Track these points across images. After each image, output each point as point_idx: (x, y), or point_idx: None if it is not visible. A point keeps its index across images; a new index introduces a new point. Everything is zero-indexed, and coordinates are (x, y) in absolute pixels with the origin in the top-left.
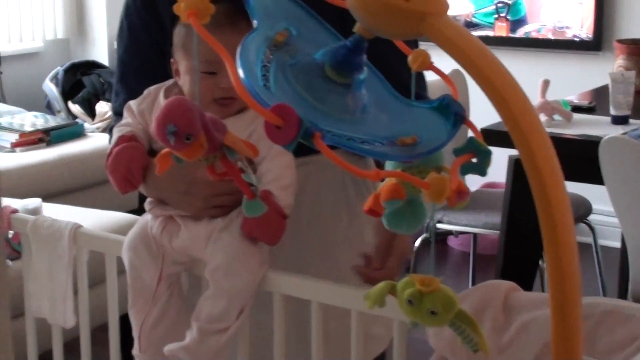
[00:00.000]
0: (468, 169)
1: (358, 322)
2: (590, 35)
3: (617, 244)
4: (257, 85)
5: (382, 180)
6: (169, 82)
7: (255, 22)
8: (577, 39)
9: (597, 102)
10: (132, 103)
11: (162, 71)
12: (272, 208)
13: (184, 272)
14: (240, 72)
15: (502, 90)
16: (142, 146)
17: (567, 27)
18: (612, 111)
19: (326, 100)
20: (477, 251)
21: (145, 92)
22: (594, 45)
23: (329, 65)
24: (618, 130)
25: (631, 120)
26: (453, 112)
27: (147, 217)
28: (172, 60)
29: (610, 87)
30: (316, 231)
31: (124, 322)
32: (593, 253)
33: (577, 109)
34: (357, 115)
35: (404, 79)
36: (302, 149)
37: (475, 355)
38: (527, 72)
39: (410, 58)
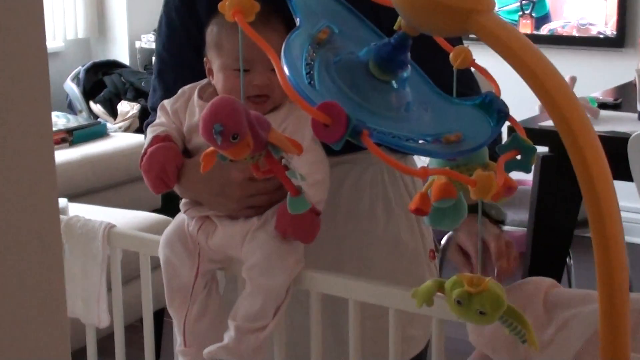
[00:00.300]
0: (512, 166)
1: (396, 321)
2: (614, 32)
3: None
4: (302, 83)
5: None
6: (203, 81)
7: (298, 20)
8: (601, 36)
9: (622, 98)
10: (166, 102)
11: (199, 68)
12: None
13: (220, 271)
14: (286, 70)
15: (548, 86)
16: (176, 146)
17: (590, 24)
18: (639, 107)
19: (370, 98)
20: None
21: (180, 91)
22: (618, 41)
23: (374, 62)
24: None
25: None
26: (496, 109)
27: (182, 216)
28: (205, 59)
29: (637, 83)
30: (353, 231)
31: (155, 322)
32: None
33: (603, 105)
34: (401, 113)
35: (444, 77)
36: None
37: (516, 353)
38: None
39: (451, 55)
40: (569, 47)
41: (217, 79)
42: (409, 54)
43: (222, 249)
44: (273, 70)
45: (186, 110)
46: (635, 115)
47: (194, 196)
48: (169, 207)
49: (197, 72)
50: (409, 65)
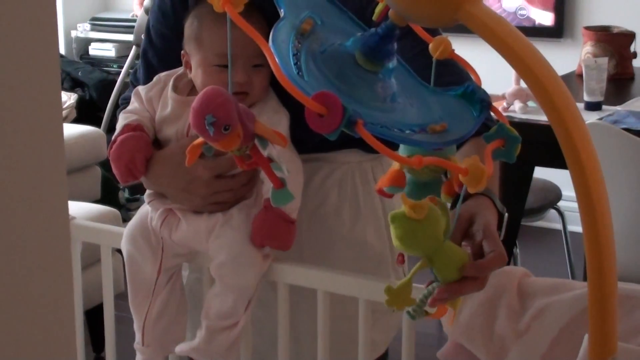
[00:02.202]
0: (497, 155)
1: (366, 311)
2: (552, 22)
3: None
4: (292, 74)
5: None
6: (180, 70)
7: (282, 12)
8: (538, 26)
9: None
10: (141, 89)
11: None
12: (277, 216)
13: (187, 266)
14: (278, 60)
15: (539, 74)
16: (147, 136)
17: (528, 14)
18: (586, 97)
19: (357, 88)
20: None
21: (155, 78)
22: (556, 32)
23: (360, 52)
24: (592, 117)
25: (604, 107)
26: (478, 99)
27: (146, 208)
28: (182, 52)
29: (584, 73)
30: (316, 230)
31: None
32: (562, 238)
33: None
34: (387, 103)
35: (424, 67)
36: (312, 146)
37: (492, 341)
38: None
39: (431, 46)
40: None
41: (196, 74)
42: (395, 44)
43: (186, 242)
44: (254, 66)
45: (160, 99)
46: (581, 105)
47: (159, 189)
48: (108, 198)
49: (179, 57)
50: (395, 56)
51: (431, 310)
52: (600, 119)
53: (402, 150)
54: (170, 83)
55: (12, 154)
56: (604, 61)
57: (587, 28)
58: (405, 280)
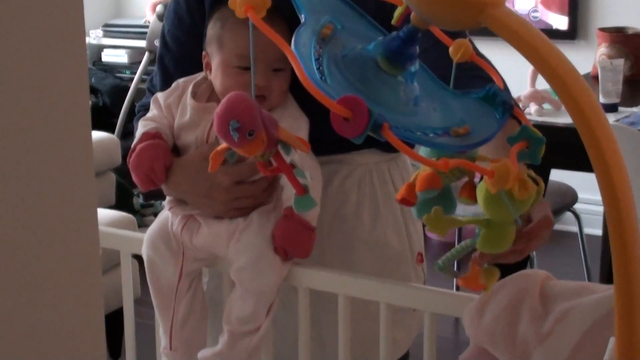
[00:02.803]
0: (521, 156)
1: (387, 316)
2: (566, 24)
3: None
4: (315, 79)
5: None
6: (198, 76)
7: (302, 17)
8: (552, 28)
9: None
10: (160, 95)
11: (199, 59)
12: (299, 223)
13: (207, 272)
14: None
15: (564, 77)
16: (166, 144)
17: (541, 16)
18: (602, 99)
19: (380, 92)
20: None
21: (174, 84)
22: (570, 34)
23: (382, 56)
24: (609, 118)
25: (620, 108)
26: (500, 101)
27: (165, 214)
28: (204, 53)
29: (599, 75)
30: (338, 232)
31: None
32: (578, 241)
33: None
34: (410, 106)
35: (445, 69)
36: (330, 147)
37: (515, 344)
38: (507, 62)
39: (451, 49)
40: None
41: (216, 75)
42: (417, 48)
43: (206, 247)
44: (273, 71)
45: (178, 106)
46: None
47: (179, 196)
48: (122, 203)
49: (197, 62)
50: (417, 59)
51: (462, 275)
52: (617, 120)
53: (422, 153)
54: (189, 89)
55: (43, 161)
56: (619, 62)
57: (602, 29)
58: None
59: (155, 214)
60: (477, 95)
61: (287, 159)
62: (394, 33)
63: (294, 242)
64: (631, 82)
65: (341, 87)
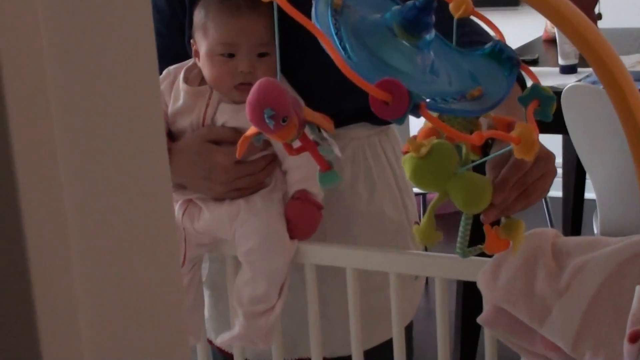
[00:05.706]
0: (534, 114)
1: (396, 284)
2: None
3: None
4: (350, 62)
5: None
6: (189, 62)
7: None
8: None
9: (538, 55)
10: None
11: (182, 50)
12: (313, 204)
13: (207, 258)
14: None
15: (594, 45)
16: None
17: None
18: (560, 61)
19: (400, 62)
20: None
21: (165, 72)
22: (513, 0)
23: (399, 25)
24: (569, 80)
25: (579, 69)
26: (506, 57)
27: None
28: (191, 40)
29: (557, 37)
30: (335, 207)
31: None
32: (542, 203)
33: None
34: (427, 75)
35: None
36: None
37: (535, 302)
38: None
39: (451, 6)
40: None
41: (204, 64)
42: (433, 17)
43: (209, 231)
44: (258, 55)
45: (171, 92)
46: (556, 69)
47: (178, 180)
48: None
49: (180, 55)
50: (433, 28)
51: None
52: (579, 81)
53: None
54: (181, 75)
55: (122, 157)
56: None
57: None
58: (426, 216)
59: None
60: (482, 52)
61: (311, 137)
62: (410, 2)
63: (308, 223)
64: None
65: (365, 62)
